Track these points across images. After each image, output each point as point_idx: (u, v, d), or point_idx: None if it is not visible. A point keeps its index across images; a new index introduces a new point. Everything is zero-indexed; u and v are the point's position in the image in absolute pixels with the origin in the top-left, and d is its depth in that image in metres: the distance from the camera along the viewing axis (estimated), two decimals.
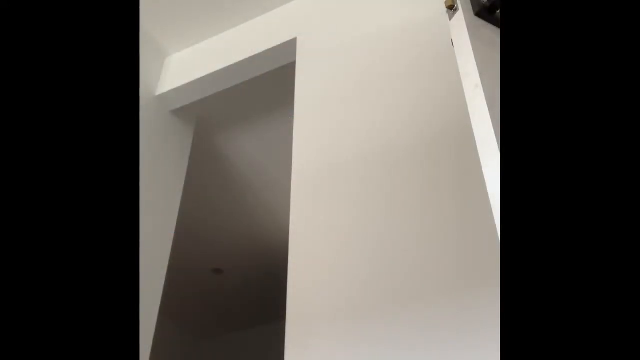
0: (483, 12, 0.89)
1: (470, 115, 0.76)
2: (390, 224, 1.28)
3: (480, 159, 0.72)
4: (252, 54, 1.97)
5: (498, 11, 0.90)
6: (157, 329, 1.83)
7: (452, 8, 0.89)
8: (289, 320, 1.27)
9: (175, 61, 2.23)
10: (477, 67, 0.79)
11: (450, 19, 0.89)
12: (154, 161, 1.99)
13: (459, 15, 0.87)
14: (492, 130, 0.71)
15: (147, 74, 2.12)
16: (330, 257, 1.32)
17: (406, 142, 1.39)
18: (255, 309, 3.75)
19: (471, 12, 0.89)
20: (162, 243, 1.94)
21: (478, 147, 0.73)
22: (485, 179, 0.70)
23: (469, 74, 0.80)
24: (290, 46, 1.91)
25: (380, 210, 1.32)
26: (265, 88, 2.24)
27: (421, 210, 1.26)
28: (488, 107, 0.74)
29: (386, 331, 1.14)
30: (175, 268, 2.97)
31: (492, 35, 0.88)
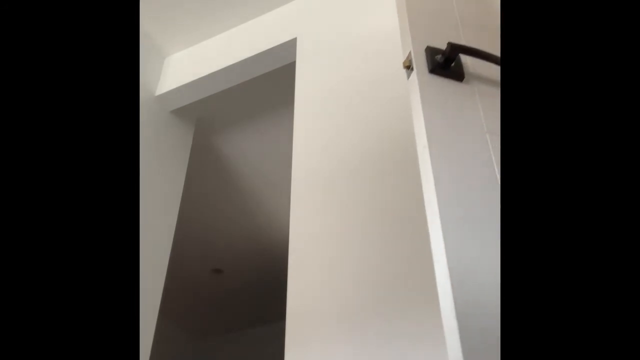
0: (437, 69, 0.93)
1: (420, 173, 0.81)
2: (390, 224, 1.28)
3: (427, 215, 0.77)
4: (252, 54, 1.97)
5: (453, 64, 0.94)
6: (157, 329, 1.83)
7: (409, 68, 0.93)
8: (289, 320, 1.27)
9: (175, 61, 2.23)
10: (425, 129, 0.84)
11: (407, 77, 0.93)
12: (154, 161, 1.99)
13: (414, 75, 0.91)
14: (434, 192, 0.76)
15: (147, 74, 2.12)
16: (330, 257, 1.32)
17: (406, 142, 1.39)
18: (255, 309, 3.75)
19: (426, 71, 0.92)
20: (162, 243, 1.94)
21: (425, 204, 0.78)
22: (430, 238, 0.76)
23: (419, 134, 0.85)
24: (290, 46, 1.91)
25: (380, 210, 1.32)
26: (265, 88, 2.24)
27: (421, 210, 1.26)
28: (432, 169, 0.79)
29: (386, 331, 1.14)
30: (176, 268, 2.98)
31: (446, 88, 0.92)
